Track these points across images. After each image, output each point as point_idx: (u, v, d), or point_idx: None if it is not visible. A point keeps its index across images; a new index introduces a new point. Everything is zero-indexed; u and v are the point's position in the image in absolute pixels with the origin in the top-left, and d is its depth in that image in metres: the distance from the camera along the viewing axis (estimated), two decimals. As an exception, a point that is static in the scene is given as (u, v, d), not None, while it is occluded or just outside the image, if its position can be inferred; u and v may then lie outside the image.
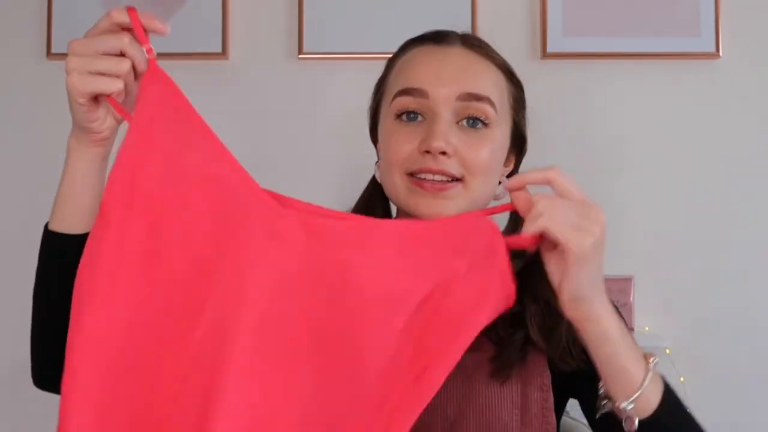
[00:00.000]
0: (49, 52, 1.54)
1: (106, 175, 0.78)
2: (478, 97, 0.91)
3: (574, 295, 0.74)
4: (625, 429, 0.76)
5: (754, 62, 1.54)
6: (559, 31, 1.53)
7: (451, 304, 0.71)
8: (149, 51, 0.76)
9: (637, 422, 0.75)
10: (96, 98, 0.77)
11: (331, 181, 1.54)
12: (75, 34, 1.60)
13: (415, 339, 0.71)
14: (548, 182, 0.73)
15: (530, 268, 0.95)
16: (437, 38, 0.96)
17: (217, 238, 0.74)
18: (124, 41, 0.75)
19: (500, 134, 0.94)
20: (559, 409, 0.93)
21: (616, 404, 0.76)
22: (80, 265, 0.75)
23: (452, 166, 0.89)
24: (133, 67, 0.77)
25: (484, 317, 0.72)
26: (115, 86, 0.75)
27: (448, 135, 0.88)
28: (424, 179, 0.90)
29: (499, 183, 0.96)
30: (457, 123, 0.91)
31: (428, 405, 0.71)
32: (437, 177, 0.89)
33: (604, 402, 0.78)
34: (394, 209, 1.03)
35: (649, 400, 0.76)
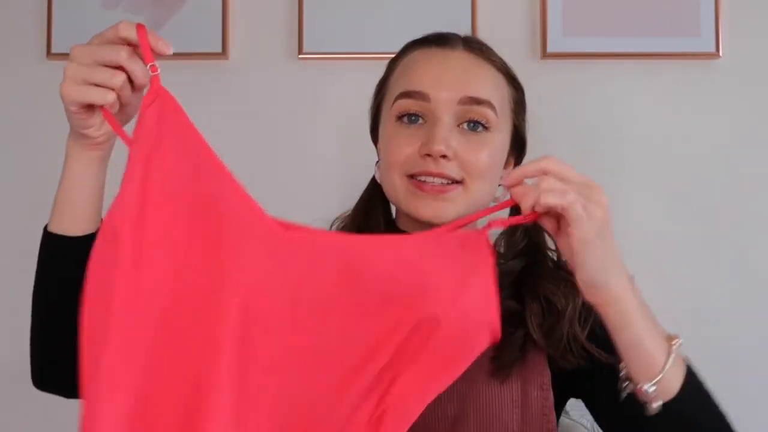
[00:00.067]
0: (49, 52, 1.54)
1: (115, 176, 0.78)
2: (478, 101, 0.91)
3: (588, 282, 0.74)
4: (647, 411, 0.75)
5: (754, 62, 1.54)
6: (559, 31, 1.53)
7: (439, 339, 0.71)
8: (153, 69, 0.76)
9: (657, 404, 0.75)
10: (91, 106, 0.77)
11: (331, 181, 1.54)
12: (75, 34, 1.61)
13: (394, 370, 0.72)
14: (545, 172, 0.72)
15: (530, 268, 0.95)
16: (439, 41, 0.96)
17: (218, 263, 0.74)
18: (122, 55, 0.74)
19: (500, 138, 0.94)
20: (559, 407, 0.93)
21: (638, 386, 0.75)
22: (88, 283, 0.75)
23: (452, 170, 0.89)
24: (132, 81, 0.76)
25: (466, 364, 0.72)
26: (106, 99, 0.75)
27: (448, 138, 0.89)
28: (424, 182, 0.90)
29: (499, 185, 0.96)
30: (458, 126, 0.91)
31: (428, 404, 0.72)
32: (437, 180, 0.90)
33: (626, 384, 0.77)
34: (393, 209, 1.03)
35: (671, 382, 0.75)
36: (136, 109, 0.78)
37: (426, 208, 0.90)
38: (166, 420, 0.72)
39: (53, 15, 1.54)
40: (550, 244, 0.98)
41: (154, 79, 0.76)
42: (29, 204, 1.45)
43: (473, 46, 0.97)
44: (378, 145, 1.02)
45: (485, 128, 0.92)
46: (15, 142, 1.55)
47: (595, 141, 1.53)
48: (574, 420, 1.25)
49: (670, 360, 0.75)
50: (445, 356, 0.71)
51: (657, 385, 0.74)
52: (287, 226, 0.78)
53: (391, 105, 0.95)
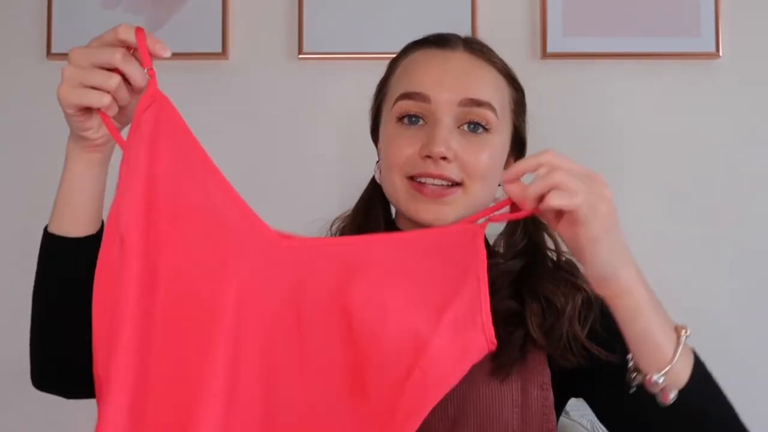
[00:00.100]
0: (49, 52, 1.54)
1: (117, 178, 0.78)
2: (479, 103, 0.91)
3: (597, 276, 0.74)
4: (659, 401, 0.75)
5: (754, 62, 1.54)
6: (559, 31, 1.53)
7: (432, 352, 0.71)
8: (150, 72, 0.76)
9: (673, 394, 0.74)
10: (88, 109, 0.77)
11: (331, 181, 1.54)
12: (75, 34, 1.61)
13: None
14: (545, 166, 0.72)
15: (530, 268, 0.95)
16: (440, 42, 0.96)
17: (216, 270, 0.75)
18: (117, 57, 0.74)
19: (500, 139, 0.94)
20: (559, 407, 0.93)
21: (647, 377, 0.75)
22: (96, 289, 0.75)
23: (452, 171, 0.89)
24: (130, 84, 0.76)
25: (458, 377, 0.72)
26: (101, 101, 0.75)
27: (449, 140, 0.89)
28: (425, 183, 0.90)
29: (499, 185, 0.96)
30: (458, 128, 0.92)
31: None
32: (437, 181, 0.90)
33: (634, 375, 0.77)
34: (393, 209, 1.03)
35: (680, 373, 0.75)
36: (134, 112, 0.78)
37: (426, 211, 0.90)
38: (161, 421, 0.72)
39: (53, 15, 1.54)
40: (550, 244, 0.98)
41: (150, 83, 0.76)
42: (29, 204, 1.45)
43: (474, 47, 0.97)
44: (378, 146, 1.02)
45: (485, 130, 0.92)
46: (15, 142, 1.55)
47: (595, 141, 1.53)
48: (574, 420, 1.25)
49: (679, 350, 0.75)
50: (437, 375, 0.71)
51: (666, 375, 0.74)
52: (284, 236, 0.79)
53: (391, 106, 0.95)
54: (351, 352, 0.73)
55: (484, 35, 1.37)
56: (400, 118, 0.93)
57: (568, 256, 0.97)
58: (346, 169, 1.53)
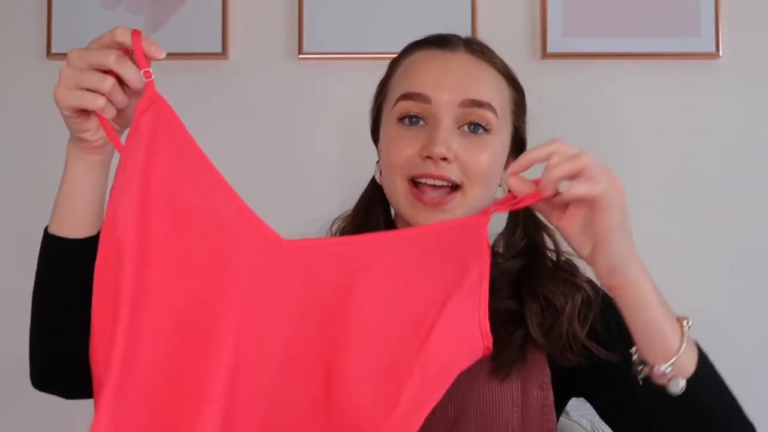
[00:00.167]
0: (49, 52, 1.54)
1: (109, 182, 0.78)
2: (479, 104, 0.91)
3: (610, 265, 0.74)
4: (669, 391, 0.75)
5: (754, 62, 1.54)
6: (559, 31, 1.53)
7: (431, 345, 0.71)
8: (147, 74, 0.76)
9: (682, 383, 0.75)
10: (85, 111, 0.77)
11: (331, 181, 1.54)
12: (75, 34, 1.61)
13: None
14: (554, 155, 0.72)
15: (529, 268, 0.95)
16: (441, 42, 0.97)
17: (217, 273, 0.75)
18: (110, 59, 0.74)
19: (501, 140, 0.94)
20: (560, 407, 0.93)
21: (654, 368, 0.75)
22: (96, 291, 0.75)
23: (452, 172, 0.90)
24: (127, 86, 0.76)
25: (456, 373, 0.72)
26: (96, 103, 0.75)
27: (449, 141, 0.89)
28: (425, 184, 0.90)
29: (499, 185, 0.96)
30: (459, 128, 0.92)
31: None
32: (438, 182, 0.90)
33: (640, 367, 0.77)
34: (392, 209, 1.03)
35: (686, 364, 0.76)
36: (134, 114, 0.78)
37: (425, 218, 0.91)
38: (160, 421, 0.72)
39: (53, 15, 1.54)
40: (549, 244, 0.98)
41: (148, 85, 0.76)
42: (29, 204, 1.45)
43: (474, 48, 0.97)
44: (378, 146, 1.02)
45: (486, 130, 0.92)
46: (15, 142, 1.55)
47: (595, 141, 1.52)
48: (573, 420, 1.25)
49: (684, 341, 0.75)
50: (436, 371, 0.71)
51: (673, 365, 0.74)
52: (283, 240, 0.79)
53: (392, 106, 0.95)
54: (351, 352, 0.73)
55: (484, 35, 1.36)
56: (401, 119, 0.94)
57: (567, 256, 0.97)
58: (346, 169, 1.53)
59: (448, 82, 0.92)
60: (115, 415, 0.70)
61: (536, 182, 0.73)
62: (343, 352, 0.73)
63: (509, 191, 0.75)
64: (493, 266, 0.77)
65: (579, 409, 1.25)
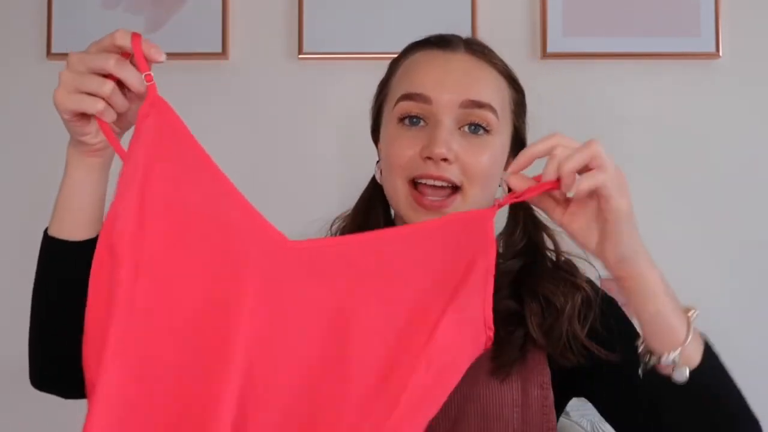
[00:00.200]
0: (49, 52, 1.54)
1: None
2: (480, 105, 0.91)
3: (619, 256, 0.74)
4: (675, 380, 0.75)
5: (754, 62, 1.54)
6: (559, 31, 1.53)
7: (435, 342, 0.71)
8: (148, 78, 0.75)
9: (688, 371, 0.74)
10: (85, 114, 0.76)
11: (331, 181, 1.54)
12: (75, 34, 1.61)
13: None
14: (555, 148, 0.72)
15: (529, 268, 0.95)
16: (441, 43, 0.97)
17: (225, 276, 0.74)
18: (110, 62, 0.74)
19: (501, 140, 0.94)
20: (560, 406, 0.93)
21: (661, 358, 0.75)
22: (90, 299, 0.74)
23: (453, 173, 0.90)
24: (128, 89, 0.76)
25: (462, 370, 0.72)
26: (95, 107, 0.74)
27: (449, 141, 0.89)
28: (425, 185, 0.90)
29: (499, 185, 0.96)
30: (459, 129, 0.92)
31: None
32: (438, 183, 0.90)
33: (647, 357, 0.77)
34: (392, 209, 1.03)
35: (692, 355, 0.75)
36: (135, 117, 0.77)
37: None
38: (174, 424, 0.71)
39: (53, 15, 1.54)
40: (549, 244, 0.98)
41: (150, 89, 0.75)
42: (29, 204, 1.45)
43: (475, 48, 0.97)
44: (379, 146, 1.02)
45: (486, 131, 0.92)
46: (15, 142, 1.55)
47: (595, 141, 1.52)
48: (573, 421, 1.25)
49: (691, 332, 0.75)
50: (440, 367, 0.71)
51: (680, 355, 0.74)
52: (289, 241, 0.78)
53: (392, 106, 0.95)
54: (355, 351, 0.73)
55: (484, 35, 1.36)
56: (401, 119, 0.94)
57: (567, 256, 0.97)
58: (346, 169, 1.53)
59: (449, 83, 0.92)
60: (123, 420, 0.69)
61: (537, 179, 0.73)
62: (347, 353, 0.73)
63: (509, 190, 0.75)
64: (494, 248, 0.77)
65: (579, 409, 1.25)
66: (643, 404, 0.83)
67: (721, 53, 1.52)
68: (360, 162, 1.09)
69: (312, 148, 1.55)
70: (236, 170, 1.66)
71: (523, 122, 1.01)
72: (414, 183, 0.92)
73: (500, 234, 0.99)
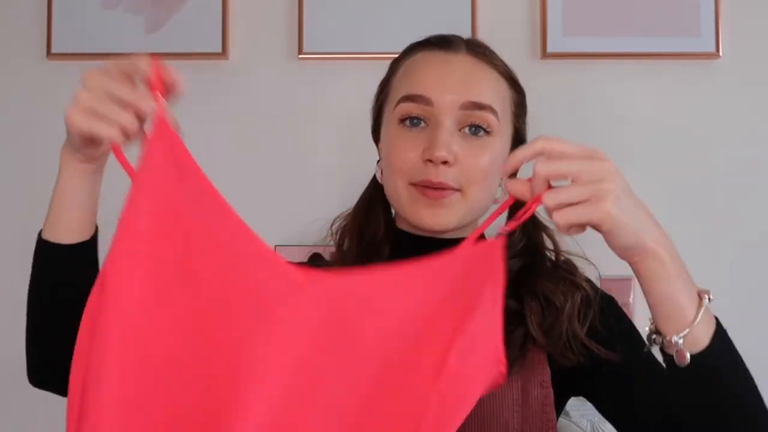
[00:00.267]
0: (49, 52, 1.54)
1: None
2: (480, 106, 0.91)
3: (623, 246, 0.73)
4: (676, 362, 0.74)
5: (754, 62, 1.54)
6: (559, 31, 1.53)
7: (449, 375, 0.69)
8: (160, 106, 0.73)
9: (688, 356, 0.74)
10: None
11: (331, 181, 1.54)
12: (75, 34, 1.61)
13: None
14: (540, 153, 0.71)
15: (528, 268, 0.95)
16: (442, 44, 0.97)
17: (234, 316, 0.72)
18: (133, 95, 0.72)
19: (501, 141, 0.94)
20: (560, 406, 0.94)
21: (667, 338, 0.74)
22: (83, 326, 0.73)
23: (452, 178, 0.90)
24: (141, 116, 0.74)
25: (473, 402, 0.69)
26: (110, 133, 0.73)
27: (450, 143, 0.89)
28: (426, 187, 0.91)
29: (499, 185, 0.96)
30: (460, 130, 0.92)
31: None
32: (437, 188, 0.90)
33: (654, 337, 0.77)
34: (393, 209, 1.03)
35: (700, 337, 0.74)
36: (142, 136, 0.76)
37: (426, 215, 0.91)
38: None
39: (53, 15, 1.54)
40: (549, 244, 0.98)
41: (158, 116, 0.73)
42: (29, 204, 1.45)
43: (476, 49, 0.97)
44: (379, 145, 1.02)
45: (486, 132, 0.93)
46: (15, 142, 1.55)
47: (594, 141, 1.50)
48: (573, 421, 1.25)
49: (701, 313, 0.74)
50: (454, 399, 0.69)
51: (685, 338, 0.73)
52: (303, 270, 0.75)
53: (393, 107, 0.95)
54: (363, 392, 0.71)
55: (484, 35, 1.37)
56: (402, 120, 0.94)
57: (566, 256, 0.97)
58: (346, 169, 1.53)
59: (450, 84, 0.92)
60: None
61: (530, 180, 0.72)
62: (357, 393, 0.71)
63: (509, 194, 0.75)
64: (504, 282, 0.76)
65: (579, 409, 1.25)
66: (640, 406, 0.83)
67: (721, 53, 1.52)
68: (360, 162, 1.09)
69: (312, 148, 1.55)
70: (236, 170, 1.67)
71: (524, 123, 1.01)
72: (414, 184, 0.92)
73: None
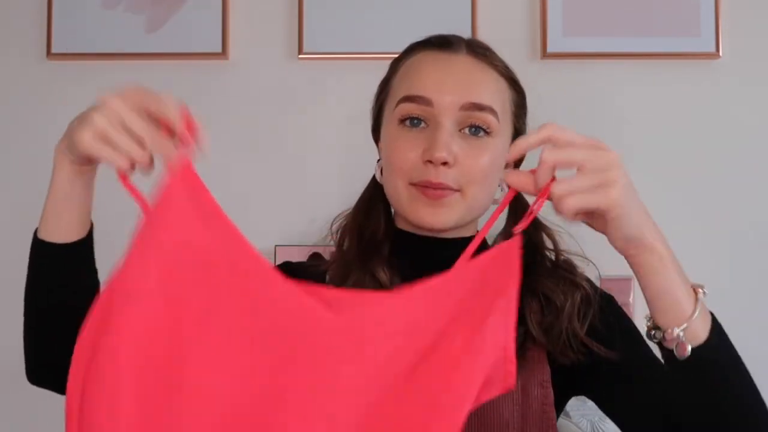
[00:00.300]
0: (49, 52, 1.54)
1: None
2: (480, 107, 0.91)
3: (623, 240, 0.73)
4: (677, 355, 0.74)
5: (754, 62, 1.54)
6: (559, 31, 1.53)
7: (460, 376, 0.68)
8: (186, 162, 0.72)
9: (689, 348, 0.74)
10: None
11: (331, 180, 1.54)
12: (75, 34, 1.61)
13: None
14: (548, 140, 0.71)
15: (528, 267, 0.95)
16: (443, 44, 0.96)
17: (268, 366, 0.71)
18: (153, 138, 0.71)
19: (501, 142, 0.94)
20: (559, 405, 0.93)
21: (667, 332, 0.74)
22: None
23: (452, 179, 0.90)
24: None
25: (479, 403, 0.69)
26: (117, 162, 0.72)
27: (450, 144, 0.89)
28: (425, 187, 0.91)
29: (499, 186, 0.96)
30: (460, 131, 0.92)
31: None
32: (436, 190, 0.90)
33: (653, 332, 0.77)
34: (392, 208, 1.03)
35: (698, 331, 0.75)
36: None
37: (426, 214, 0.91)
38: None
39: (53, 15, 1.54)
40: (548, 243, 0.98)
41: (183, 163, 0.72)
42: (29, 204, 1.45)
43: (476, 50, 0.97)
44: (379, 145, 1.02)
45: (487, 133, 0.93)
46: (15, 142, 1.55)
47: (595, 141, 1.52)
48: (573, 421, 1.25)
49: (698, 307, 0.75)
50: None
51: (685, 331, 0.74)
52: (324, 304, 0.73)
53: (393, 107, 0.95)
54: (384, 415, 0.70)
55: (484, 35, 1.37)
56: (402, 120, 0.94)
57: (566, 256, 0.97)
58: (346, 168, 1.53)
59: (450, 85, 0.92)
60: None
61: (533, 171, 0.72)
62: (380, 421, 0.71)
63: (509, 187, 0.74)
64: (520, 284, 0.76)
65: (579, 409, 1.25)
66: (640, 404, 0.83)
67: (721, 53, 1.52)
68: (360, 161, 1.09)
69: (312, 147, 1.55)
70: (236, 170, 1.67)
71: (524, 123, 1.01)
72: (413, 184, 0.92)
73: (500, 234, 0.99)
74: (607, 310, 0.93)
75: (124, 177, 0.74)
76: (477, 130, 0.92)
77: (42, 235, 0.84)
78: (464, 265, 0.75)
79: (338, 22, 1.54)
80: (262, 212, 1.54)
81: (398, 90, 0.96)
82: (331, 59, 1.54)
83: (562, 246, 0.97)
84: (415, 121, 0.93)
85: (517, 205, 0.94)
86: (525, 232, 0.97)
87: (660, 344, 0.77)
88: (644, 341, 0.80)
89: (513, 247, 0.73)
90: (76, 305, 0.83)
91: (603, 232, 0.74)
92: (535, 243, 0.98)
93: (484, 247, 0.78)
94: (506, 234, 0.99)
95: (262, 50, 1.56)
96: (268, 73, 1.56)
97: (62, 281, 0.84)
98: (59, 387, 0.91)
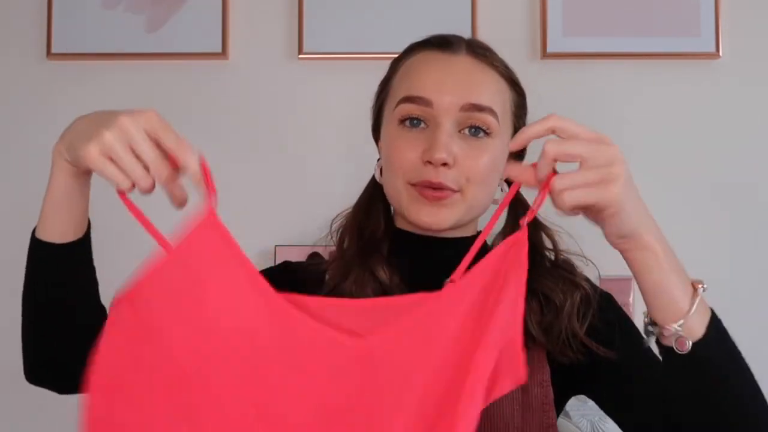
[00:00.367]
0: (49, 52, 1.54)
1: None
2: (480, 108, 0.91)
3: (619, 235, 0.73)
4: (676, 350, 0.74)
5: (754, 62, 1.54)
6: (559, 31, 1.53)
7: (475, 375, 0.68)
8: (211, 210, 0.72)
9: (689, 343, 0.74)
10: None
11: (331, 180, 1.54)
12: (75, 34, 1.61)
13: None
14: (552, 131, 0.71)
15: (528, 266, 0.95)
16: (443, 44, 0.96)
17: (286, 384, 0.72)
18: (163, 175, 0.71)
19: (501, 143, 0.94)
20: (559, 404, 0.94)
21: (663, 328, 0.74)
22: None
23: (452, 180, 0.90)
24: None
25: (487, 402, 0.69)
26: (120, 182, 0.72)
27: (449, 145, 0.89)
28: (425, 188, 0.91)
29: (498, 186, 0.96)
30: (459, 132, 0.92)
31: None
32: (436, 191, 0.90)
33: (650, 328, 0.77)
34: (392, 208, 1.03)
35: (695, 327, 0.74)
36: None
37: (426, 214, 0.91)
38: None
39: (53, 15, 1.54)
40: (548, 243, 0.98)
41: (210, 214, 0.72)
42: (29, 204, 1.45)
43: (476, 50, 0.97)
44: (379, 144, 1.02)
45: (486, 134, 0.92)
46: (15, 141, 1.55)
47: (595, 141, 1.52)
48: (573, 421, 1.25)
49: (696, 303, 0.74)
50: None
51: (682, 327, 0.74)
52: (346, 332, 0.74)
53: (393, 107, 0.95)
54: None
55: (484, 35, 1.37)
56: (402, 121, 0.94)
57: (565, 256, 0.97)
58: (346, 168, 1.53)
59: (450, 86, 0.92)
60: None
61: (534, 165, 0.72)
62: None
63: (508, 185, 0.74)
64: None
65: (579, 409, 1.25)
66: (640, 404, 0.83)
67: (721, 53, 1.52)
68: (360, 161, 1.09)
69: (312, 147, 1.55)
70: (236, 170, 1.67)
71: (524, 124, 1.01)
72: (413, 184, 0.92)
73: (499, 233, 0.99)
74: (606, 310, 0.93)
75: (122, 193, 0.74)
76: (477, 130, 0.92)
77: (40, 235, 0.84)
78: (478, 272, 0.74)
79: (338, 22, 1.54)
80: (262, 212, 1.54)
81: (398, 90, 0.96)
82: (331, 59, 1.54)
83: (562, 246, 0.97)
84: (415, 122, 0.93)
85: (517, 206, 0.94)
86: (524, 232, 0.97)
87: (657, 341, 0.77)
88: (644, 339, 0.80)
89: (520, 239, 0.73)
90: (75, 305, 0.84)
91: (598, 225, 0.74)
92: (534, 243, 0.97)
93: (484, 248, 0.78)
94: (506, 234, 0.98)
95: (262, 50, 1.56)
96: (268, 74, 1.56)
97: (60, 281, 0.84)
98: (57, 386, 0.92)
